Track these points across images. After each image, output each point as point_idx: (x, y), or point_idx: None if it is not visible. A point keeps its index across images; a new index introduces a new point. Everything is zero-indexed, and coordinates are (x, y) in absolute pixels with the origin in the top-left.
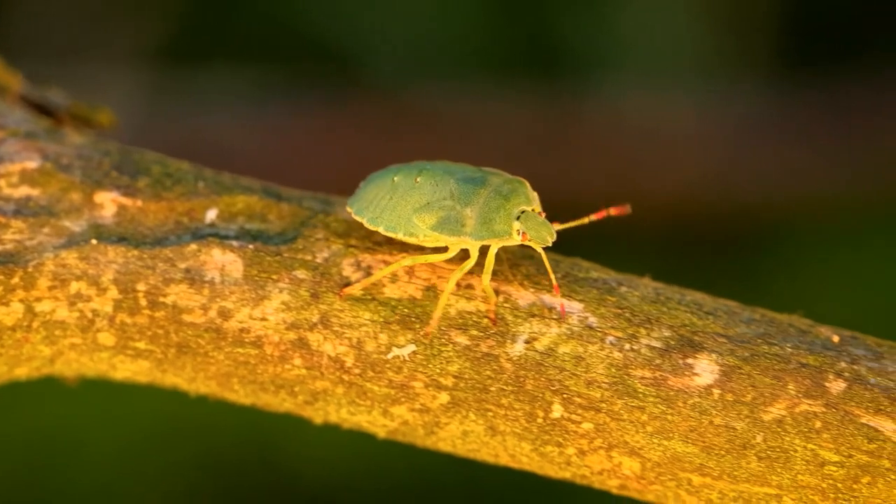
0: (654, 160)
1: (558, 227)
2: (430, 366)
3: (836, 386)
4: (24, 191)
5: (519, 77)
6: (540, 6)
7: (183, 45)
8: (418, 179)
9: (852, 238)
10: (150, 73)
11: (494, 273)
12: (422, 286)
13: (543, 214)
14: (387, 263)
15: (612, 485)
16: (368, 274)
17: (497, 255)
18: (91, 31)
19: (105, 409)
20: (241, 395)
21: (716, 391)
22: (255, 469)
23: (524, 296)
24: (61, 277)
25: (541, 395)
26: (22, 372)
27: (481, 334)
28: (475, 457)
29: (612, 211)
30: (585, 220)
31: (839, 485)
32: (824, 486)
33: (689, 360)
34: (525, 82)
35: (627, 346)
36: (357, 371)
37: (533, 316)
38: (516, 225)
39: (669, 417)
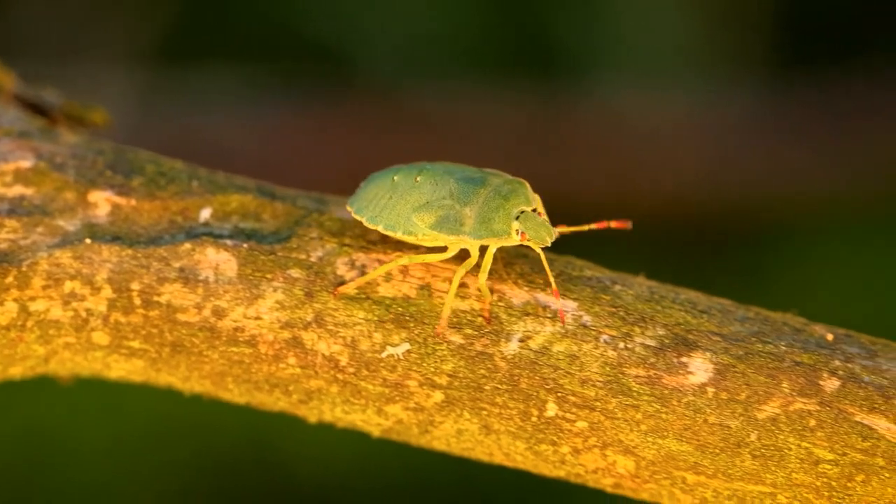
0: (650, 159)
1: (559, 230)
2: (425, 364)
3: (831, 384)
4: (18, 190)
5: (514, 76)
6: (535, 5)
7: (178, 45)
8: (418, 179)
9: (847, 237)
10: (145, 72)
11: (489, 272)
12: (416, 285)
13: (544, 215)
14: (381, 262)
15: (606, 483)
16: (363, 273)
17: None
18: (86, 31)
19: (100, 408)
20: (235, 394)
21: (710, 389)
22: (250, 468)
23: (518, 294)
24: (55, 277)
25: (535, 393)
26: (16, 371)
27: (476, 333)
28: (469, 455)
29: (614, 224)
30: (585, 228)
31: (833, 483)
32: (818, 484)
33: (684, 359)
34: (520, 82)
35: (622, 345)
36: (351, 370)
37: (527, 314)
38: (515, 225)
39: (664, 416)
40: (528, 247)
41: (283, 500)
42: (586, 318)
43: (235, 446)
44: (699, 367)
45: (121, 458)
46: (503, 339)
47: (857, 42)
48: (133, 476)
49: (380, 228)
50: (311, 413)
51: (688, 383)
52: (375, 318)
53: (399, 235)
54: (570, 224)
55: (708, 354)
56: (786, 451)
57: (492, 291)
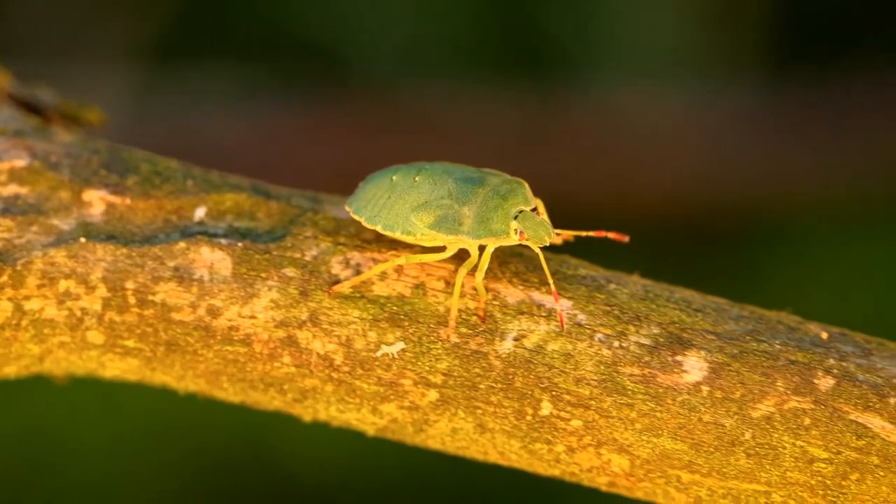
0: (645, 158)
1: (555, 231)
2: (419, 363)
3: (825, 383)
4: (12, 189)
5: (512, 76)
6: (532, 5)
7: (174, 44)
8: (416, 179)
9: (841, 236)
10: (142, 71)
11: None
12: (411, 284)
13: (544, 215)
14: (376, 261)
15: (601, 482)
16: (357, 271)
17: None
18: (83, 30)
19: (98, 408)
20: (230, 393)
21: (705, 388)
22: (248, 468)
23: (513, 293)
24: (50, 276)
25: (530, 392)
26: (11, 370)
27: (470, 332)
28: (464, 454)
29: (611, 235)
30: (583, 234)
31: (828, 481)
32: (813, 482)
33: (678, 358)
34: (518, 81)
35: (616, 344)
36: (346, 369)
37: (522, 313)
38: (514, 224)
39: (658, 414)
40: (525, 246)
41: (281, 499)
42: (581, 317)
43: (233, 446)
44: (694, 366)
45: (119, 458)
46: (498, 338)
47: (854, 41)
48: (131, 476)
49: (378, 228)
50: (306, 412)
51: (682, 382)
52: (370, 317)
53: (398, 235)
54: (567, 224)
55: (702, 353)
56: (780, 449)
57: (486, 290)
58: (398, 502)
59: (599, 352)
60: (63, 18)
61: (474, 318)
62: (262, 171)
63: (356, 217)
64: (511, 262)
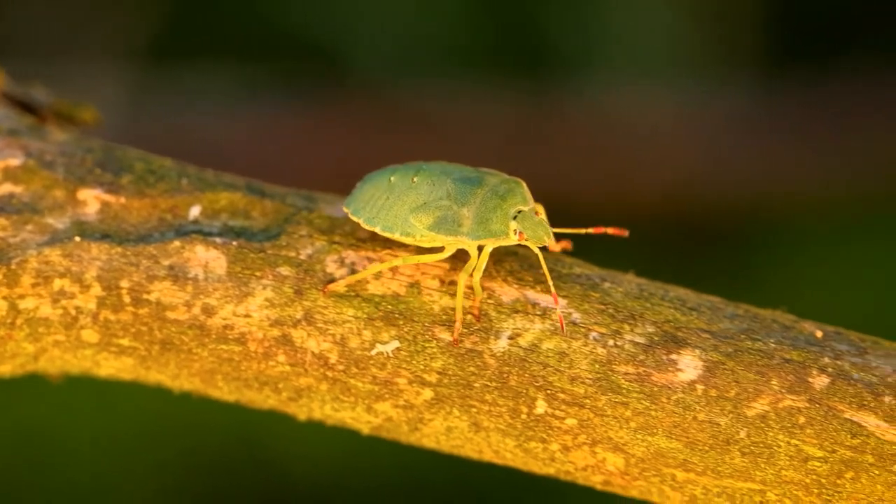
0: (642, 158)
1: (554, 230)
2: (414, 362)
3: (820, 381)
4: (7, 188)
5: (508, 76)
6: (529, 4)
7: (169, 43)
8: (415, 179)
9: (837, 235)
10: (138, 71)
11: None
12: (405, 283)
13: (542, 214)
14: (371, 260)
15: (596, 481)
16: (352, 270)
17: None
18: (78, 30)
19: (92, 406)
20: (224, 391)
21: (699, 387)
22: (243, 467)
23: (508, 292)
24: (45, 274)
25: (524, 390)
26: (5, 369)
27: (465, 330)
28: (459, 453)
29: (611, 230)
30: (582, 231)
31: (823, 480)
32: (808, 481)
33: (673, 356)
34: (515, 81)
35: (611, 342)
36: (341, 367)
37: (516, 312)
38: (513, 225)
39: (653, 413)
40: (522, 245)
41: (275, 498)
42: (576, 316)
43: (228, 445)
44: (688, 365)
45: (114, 457)
46: (493, 337)
47: (850, 40)
48: (126, 474)
49: (377, 230)
50: (301, 411)
51: (677, 380)
52: (365, 316)
53: (397, 237)
54: (565, 224)
55: (697, 352)
56: (775, 448)
57: (481, 289)
58: (393, 501)
59: (594, 350)
60: (60, 18)
61: (469, 316)
62: (261, 170)
63: (355, 218)
64: (506, 260)
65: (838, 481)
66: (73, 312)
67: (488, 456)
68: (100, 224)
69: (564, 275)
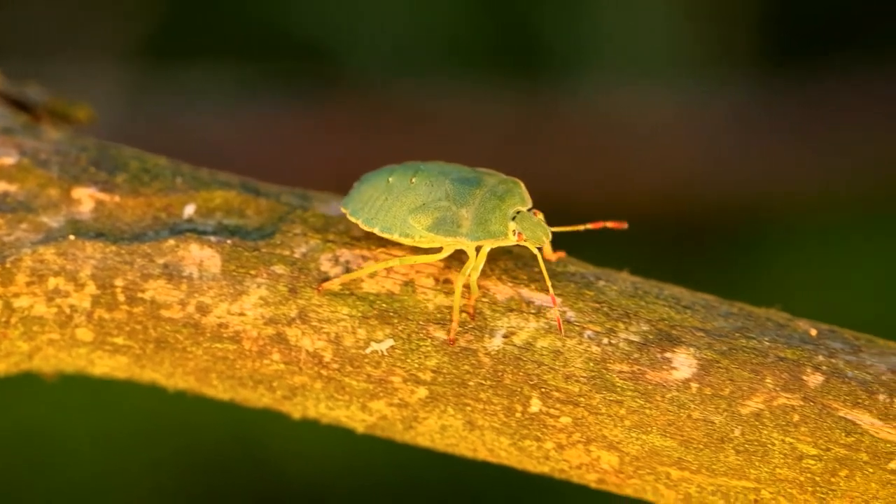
0: (640, 157)
1: (552, 230)
2: (409, 360)
3: (814, 379)
4: (1, 186)
5: (505, 75)
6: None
7: (165, 43)
8: (413, 180)
9: (832, 233)
10: (134, 70)
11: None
12: (400, 281)
13: (540, 214)
14: (365, 258)
15: (590, 479)
16: (347, 269)
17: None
18: (76, 30)
19: (86, 405)
20: (219, 390)
21: (694, 385)
22: (238, 465)
23: (502, 290)
24: (39, 273)
25: (519, 389)
26: (0, 368)
27: (459, 329)
28: (454, 451)
29: (610, 224)
30: (581, 228)
31: (817, 478)
32: (802, 479)
33: (668, 354)
34: (511, 81)
35: (606, 341)
36: (335, 366)
37: (511, 310)
38: (512, 225)
39: (647, 411)
40: (520, 246)
41: (270, 496)
42: (570, 314)
43: (223, 443)
44: (683, 363)
45: (108, 456)
46: (487, 335)
47: (848, 38)
48: (121, 473)
49: (376, 230)
50: (296, 409)
51: (671, 379)
52: (359, 314)
53: (396, 237)
54: (562, 223)
55: (692, 350)
56: (769, 446)
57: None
58: (388, 499)
59: (589, 349)
60: (58, 17)
61: (464, 314)
62: (261, 171)
63: (353, 219)
64: (500, 259)
65: (832, 479)
66: (68, 311)
67: (483, 454)
68: (94, 222)
69: (559, 273)
